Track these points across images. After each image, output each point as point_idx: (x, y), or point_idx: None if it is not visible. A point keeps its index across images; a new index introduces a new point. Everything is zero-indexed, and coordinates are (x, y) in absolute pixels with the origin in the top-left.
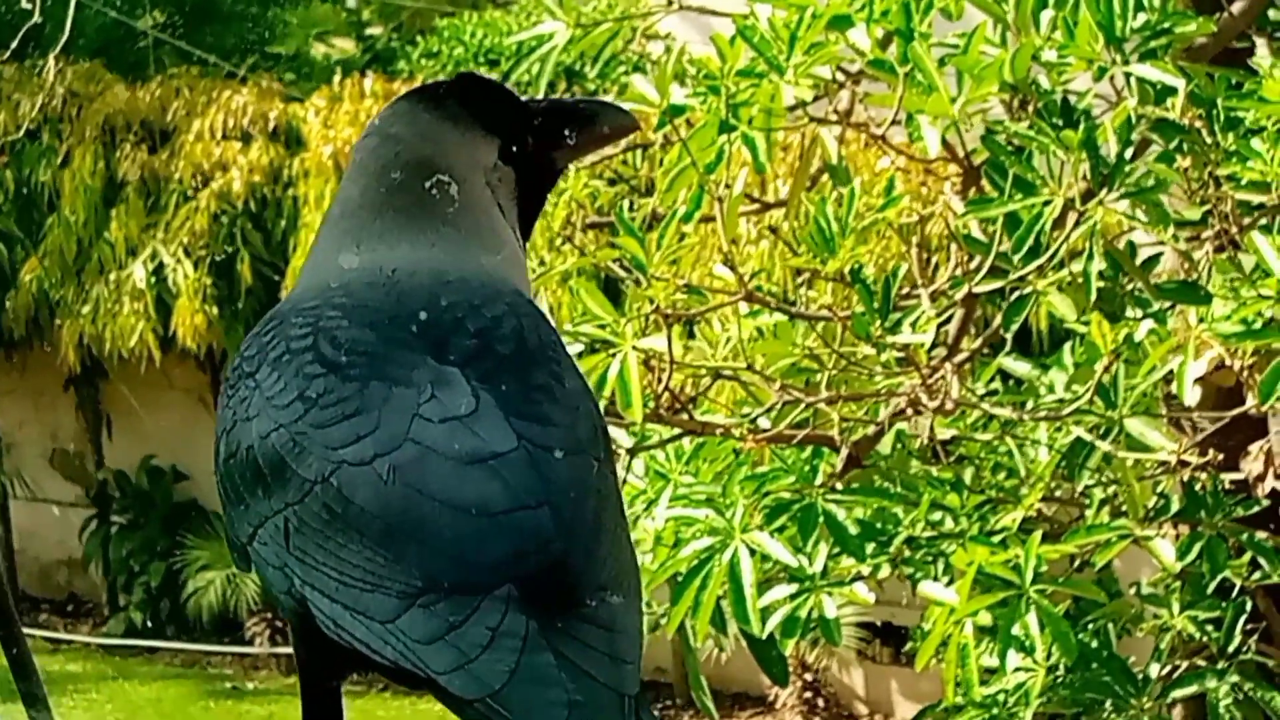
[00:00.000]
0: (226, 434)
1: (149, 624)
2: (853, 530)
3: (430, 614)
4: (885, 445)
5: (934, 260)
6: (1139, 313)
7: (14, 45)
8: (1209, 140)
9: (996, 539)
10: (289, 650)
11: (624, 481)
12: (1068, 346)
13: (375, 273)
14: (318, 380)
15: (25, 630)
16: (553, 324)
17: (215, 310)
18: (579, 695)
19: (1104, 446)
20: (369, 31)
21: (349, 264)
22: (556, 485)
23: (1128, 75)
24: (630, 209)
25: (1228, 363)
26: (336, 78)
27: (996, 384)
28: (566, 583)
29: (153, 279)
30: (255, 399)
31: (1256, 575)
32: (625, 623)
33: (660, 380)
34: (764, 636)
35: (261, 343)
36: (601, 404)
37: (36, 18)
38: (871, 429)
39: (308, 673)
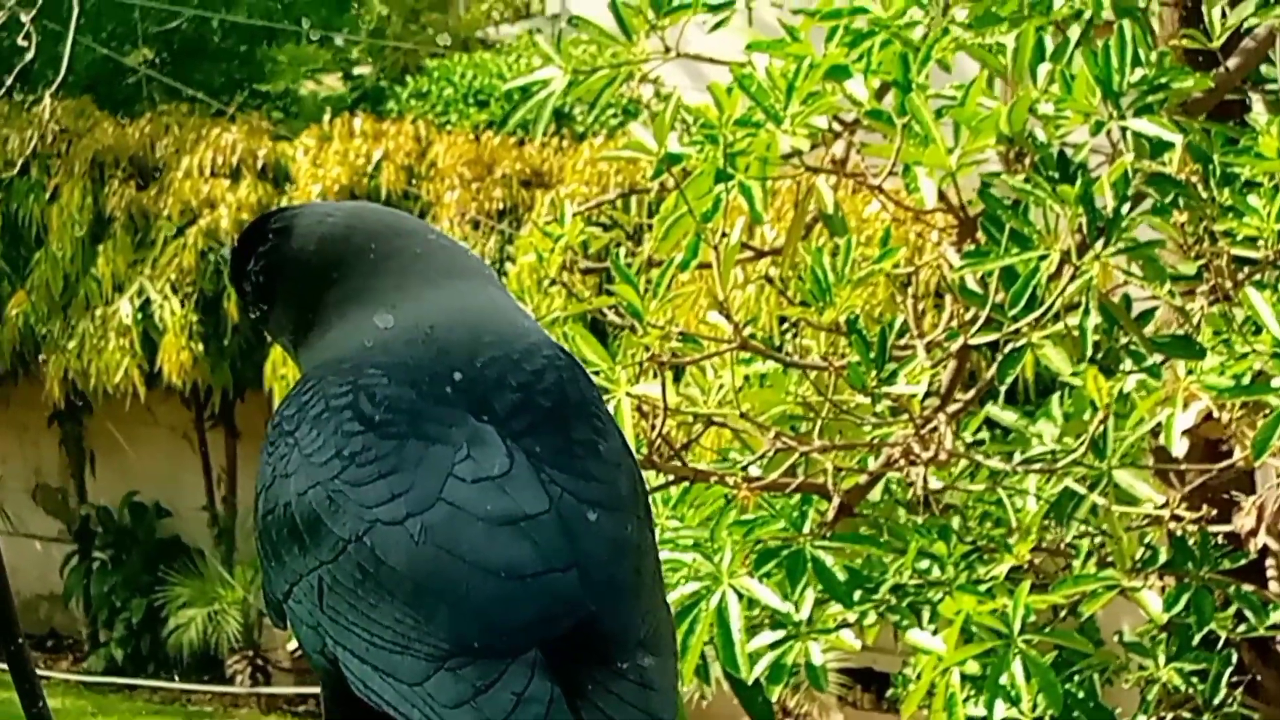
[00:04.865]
0: (266, 490)
1: (129, 660)
2: (841, 577)
3: (457, 677)
4: (874, 494)
5: (921, 308)
6: (1132, 366)
7: (7, 81)
8: (1205, 195)
9: (984, 588)
10: (269, 689)
11: None
12: (1055, 397)
13: (413, 330)
14: (356, 438)
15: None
16: (591, 378)
17: (201, 347)
18: None
19: (1093, 498)
20: (357, 71)
21: (385, 324)
22: (589, 546)
23: (1124, 129)
24: (626, 256)
25: (1215, 415)
26: (326, 117)
27: (983, 433)
28: (598, 643)
29: (139, 315)
30: (294, 456)
31: (1242, 628)
32: (661, 682)
33: (653, 427)
34: (750, 682)
35: (301, 401)
36: None
37: (30, 55)
38: (864, 478)
39: None
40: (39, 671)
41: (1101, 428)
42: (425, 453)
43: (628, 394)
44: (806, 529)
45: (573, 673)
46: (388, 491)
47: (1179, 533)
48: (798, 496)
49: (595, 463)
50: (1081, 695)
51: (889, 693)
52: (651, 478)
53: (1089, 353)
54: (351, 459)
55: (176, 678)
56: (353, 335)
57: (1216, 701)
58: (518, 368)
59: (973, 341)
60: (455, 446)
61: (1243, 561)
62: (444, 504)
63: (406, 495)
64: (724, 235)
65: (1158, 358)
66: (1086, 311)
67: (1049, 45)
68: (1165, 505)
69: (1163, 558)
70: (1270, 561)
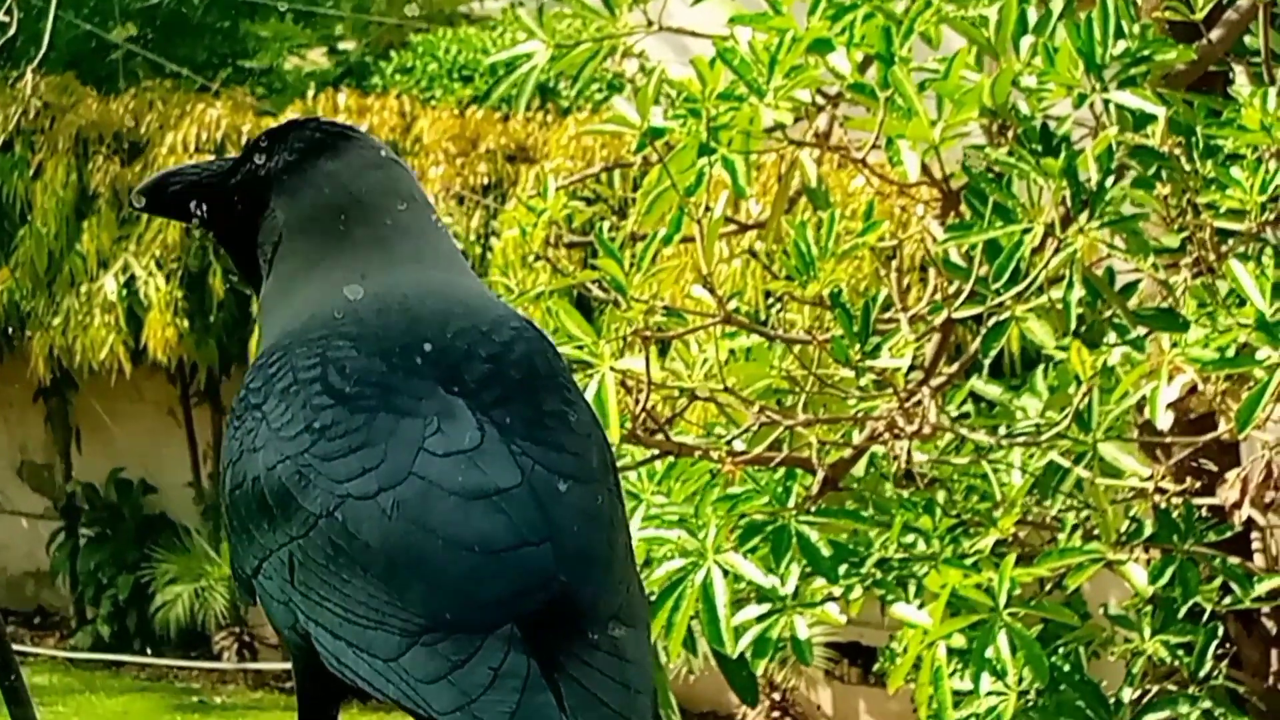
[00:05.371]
0: (232, 465)
1: (116, 637)
2: (825, 552)
3: (433, 653)
4: (859, 468)
5: (906, 282)
6: (1116, 339)
7: None
8: (1188, 167)
9: (969, 561)
10: (256, 665)
11: None
12: (1040, 371)
13: (384, 300)
14: (325, 411)
15: None
16: (558, 349)
17: (186, 323)
18: None
19: (1078, 471)
20: (341, 46)
21: (355, 295)
22: (561, 518)
23: (1107, 102)
24: (609, 230)
25: (1200, 388)
26: (310, 92)
27: (968, 407)
28: (573, 616)
29: (124, 291)
30: (262, 430)
31: (1227, 600)
32: (635, 653)
33: (637, 401)
34: (735, 657)
35: (267, 374)
36: None
37: (12, 31)
38: (848, 452)
39: (308, 705)
40: (26, 649)
41: (1086, 401)
42: (396, 426)
43: (612, 368)
44: (791, 503)
45: (548, 646)
46: (359, 466)
47: (1164, 506)
48: (782, 471)
49: (566, 434)
50: (1067, 668)
51: (876, 666)
52: (636, 452)
53: (1073, 326)
54: (321, 433)
55: (152, 653)
56: (321, 305)
57: (1202, 674)
58: (487, 339)
59: (957, 315)
60: (426, 419)
61: (1227, 534)
62: (415, 478)
63: (377, 470)
64: (707, 209)
65: (1142, 331)
66: (1070, 284)
67: (1032, 17)
68: (1150, 478)
69: (1148, 530)
70: (1255, 534)
